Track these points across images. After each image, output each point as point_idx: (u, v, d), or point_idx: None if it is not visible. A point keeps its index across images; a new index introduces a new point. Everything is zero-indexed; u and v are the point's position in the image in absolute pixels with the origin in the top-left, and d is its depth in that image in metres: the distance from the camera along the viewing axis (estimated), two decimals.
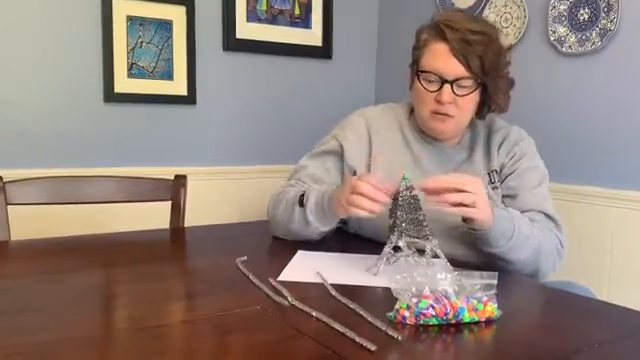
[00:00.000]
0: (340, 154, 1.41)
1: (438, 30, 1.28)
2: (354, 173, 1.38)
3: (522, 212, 1.31)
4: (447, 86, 1.27)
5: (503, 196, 1.37)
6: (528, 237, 1.22)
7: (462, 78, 1.27)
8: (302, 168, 1.44)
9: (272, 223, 1.42)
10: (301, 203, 1.30)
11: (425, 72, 1.30)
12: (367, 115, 1.46)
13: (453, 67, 1.26)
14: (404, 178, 1.14)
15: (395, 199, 1.14)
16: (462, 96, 1.28)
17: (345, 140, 1.41)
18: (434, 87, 1.29)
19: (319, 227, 1.31)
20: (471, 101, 1.31)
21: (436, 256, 1.13)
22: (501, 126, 1.42)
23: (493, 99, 1.32)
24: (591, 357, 0.80)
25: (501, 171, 1.38)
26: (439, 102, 1.29)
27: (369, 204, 1.12)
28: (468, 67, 1.26)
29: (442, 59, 1.27)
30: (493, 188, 1.36)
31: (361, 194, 1.12)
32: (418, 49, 1.34)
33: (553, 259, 1.28)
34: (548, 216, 1.32)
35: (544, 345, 0.85)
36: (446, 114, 1.30)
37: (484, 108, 1.36)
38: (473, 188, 1.10)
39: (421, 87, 1.31)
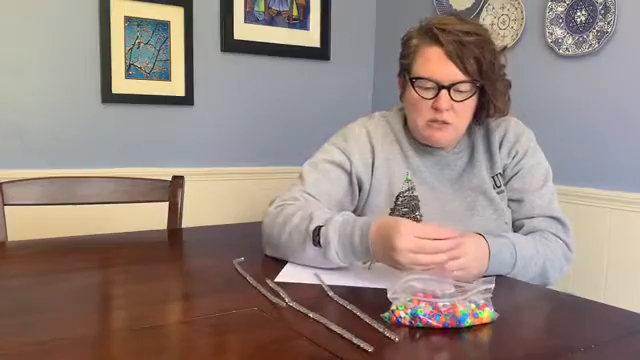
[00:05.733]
0: (348, 169, 1.33)
1: (430, 34, 1.23)
2: (359, 185, 1.34)
3: (529, 218, 1.29)
4: (444, 92, 1.22)
5: (509, 199, 1.33)
6: (532, 257, 1.20)
7: (459, 82, 1.22)
8: (305, 178, 1.33)
9: (268, 244, 1.26)
10: (316, 242, 1.14)
11: (419, 79, 1.24)
12: (367, 125, 1.39)
13: (449, 71, 1.21)
14: (407, 179, 1.22)
15: (396, 198, 1.17)
16: (460, 101, 1.23)
17: (352, 154, 1.34)
18: (430, 94, 1.24)
19: (343, 264, 1.15)
20: (469, 107, 1.27)
21: None
22: (498, 123, 1.36)
23: (492, 102, 1.27)
24: (587, 358, 0.81)
25: (504, 172, 1.34)
26: (437, 109, 1.23)
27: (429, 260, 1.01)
28: (465, 70, 1.21)
29: (437, 63, 1.22)
30: (499, 193, 1.32)
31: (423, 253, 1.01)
32: (408, 56, 1.28)
33: (560, 266, 1.26)
34: (555, 219, 1.29)
35: (541, 345, 0.85)
36: (444, 122, 1.24)
37: (482, 113, 1.30)
38: (460, 252, 1.04)
39: (416, 95, 1.25)
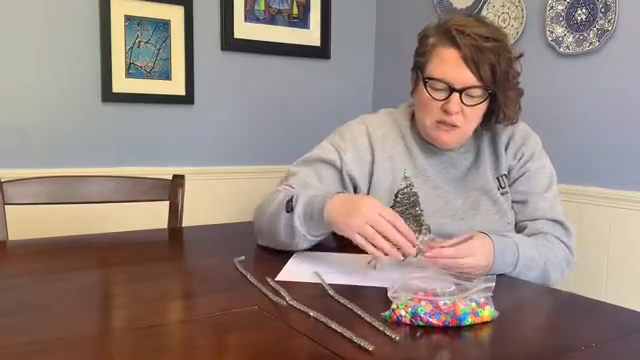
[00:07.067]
0: (338, 166, 1.33)
1: (448, 35, 1.21)
2: (352, 183, 1.34)
3: (532, 220, 1.30)
4: (455, 95, 1.21)
5: (513, 201, 1.33)
6: (533, 258, 1.20)
7: (471, 87, 1.21)
8: (293, 174, 1.35)
9: (256, 231, 1.33)
10: (288, 208, 1.19)
11: (432, 79, 1.23)
12: (367, 123, 1.38)
13: (463, 75, 1.20)
14: (405, 176, 1.21)
15: (395, 195, 1.16)
16: (470, 106, 1.22)
17: (345, 151, 1.33)
18: (441, 96, 1.23)
19: (307, 235, 1.20)
20: (479, 111, 1.26)
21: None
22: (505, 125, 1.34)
23: (503, 110, 1.26)
24: (588, 356, 0.81)
25: (509, 173, 1.34)
26: (446, 112, 1.23)
27: (389, 247, 1.05)
28: (479, 76, 1.20)
29: (452, 66, 1.21)
30: (503, 194, 1.32)
31: (383, 234, 1.05)
32: (424, 54, 1.27)
33: (562, 269, 1.27)
34: (558, 222, 1.29)
35: (541, 344, 0.85)
36: (452, 124, 1.24)
37: (491, 118, 1.30)
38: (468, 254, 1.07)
39: (427, 95, 1.24)
